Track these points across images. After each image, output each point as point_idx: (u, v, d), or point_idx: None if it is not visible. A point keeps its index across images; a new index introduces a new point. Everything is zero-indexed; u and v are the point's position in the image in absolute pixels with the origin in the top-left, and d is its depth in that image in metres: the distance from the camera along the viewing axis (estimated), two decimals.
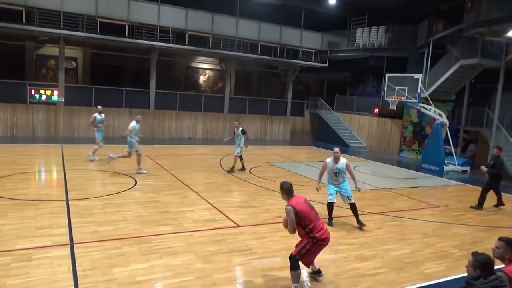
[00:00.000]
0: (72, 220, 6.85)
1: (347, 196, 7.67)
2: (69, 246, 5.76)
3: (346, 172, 7.69)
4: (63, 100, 17.58)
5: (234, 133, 12.60)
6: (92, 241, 5.99)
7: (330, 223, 7.57)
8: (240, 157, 12.44)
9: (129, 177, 10.55)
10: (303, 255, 4.82)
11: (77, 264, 5.17)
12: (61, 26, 16.24)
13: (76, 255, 5.44)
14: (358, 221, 7.65)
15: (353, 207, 7.69)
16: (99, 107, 13.33)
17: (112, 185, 9.57)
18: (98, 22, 16.80)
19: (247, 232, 6.93)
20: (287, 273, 5.31)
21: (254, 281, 5.11)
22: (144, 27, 17.82)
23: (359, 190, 7.83)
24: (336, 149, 7.70)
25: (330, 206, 7.75)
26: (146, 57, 19.28)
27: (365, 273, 5.61)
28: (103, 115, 13.07)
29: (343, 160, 7.62)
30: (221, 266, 5.46)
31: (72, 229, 6.41)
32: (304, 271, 5.31)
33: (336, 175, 7.69)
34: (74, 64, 20.62)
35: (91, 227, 6.57)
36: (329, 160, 7.72)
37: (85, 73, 21.10)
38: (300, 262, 4.84)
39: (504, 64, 14.86)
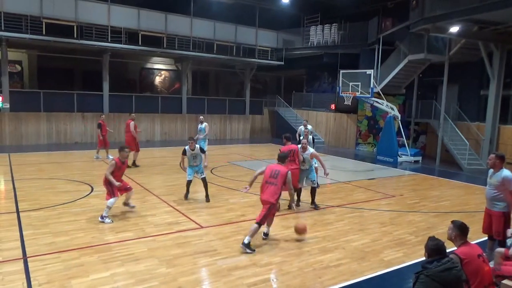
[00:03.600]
0: (25, 233, 6.47)
1: (311, 180, 8.60)
2: (22, 260, 5.45)
3: (317, 161, 8.71)
4: (8, 106, 16.56)
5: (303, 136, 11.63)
6: (47, 253, 5.69)
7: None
8: None
9: (84, 184, 10.13)
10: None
11: (32, 279, 4.89)
12: (2, 28, 15.27)
13: (30, 269, 5.15)
14: (312, 202, 8.69)
15: (312, 190, 8.67)
16: (201, 117, 12.70)
17: (67, 194, 9.14)
18: (44, 23, 15.96)
19: (211, 233, 6.89)
20: (253, 271, 5.35)
21: (220, 281, 5.09)
22: (94, 28, 17.13)
23: (327, 175, 8.48)
24: (304, 141, 8.60)
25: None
26: (98, 59, 18.58)
27: (328, 265, 5.75)
28: (205, 124, 12.40)
29: (308, 151, 8.48)
30: (186, 269, 5.39)
31: (25, 242, 6.06)
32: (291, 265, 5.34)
33: (303, 162, 8.58)
34: (19, 67, 19.48)
35: (46, 239, 6.24)
36: (299, 146, 8.63)
37: (31, 77, 19.99)
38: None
39: (448, 58, 15.76)
